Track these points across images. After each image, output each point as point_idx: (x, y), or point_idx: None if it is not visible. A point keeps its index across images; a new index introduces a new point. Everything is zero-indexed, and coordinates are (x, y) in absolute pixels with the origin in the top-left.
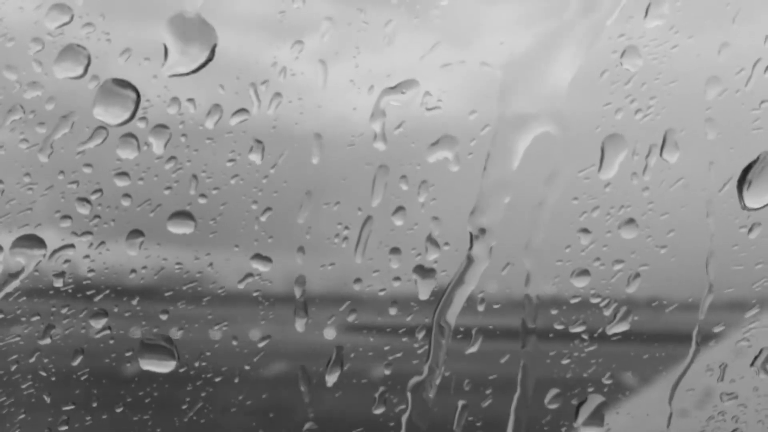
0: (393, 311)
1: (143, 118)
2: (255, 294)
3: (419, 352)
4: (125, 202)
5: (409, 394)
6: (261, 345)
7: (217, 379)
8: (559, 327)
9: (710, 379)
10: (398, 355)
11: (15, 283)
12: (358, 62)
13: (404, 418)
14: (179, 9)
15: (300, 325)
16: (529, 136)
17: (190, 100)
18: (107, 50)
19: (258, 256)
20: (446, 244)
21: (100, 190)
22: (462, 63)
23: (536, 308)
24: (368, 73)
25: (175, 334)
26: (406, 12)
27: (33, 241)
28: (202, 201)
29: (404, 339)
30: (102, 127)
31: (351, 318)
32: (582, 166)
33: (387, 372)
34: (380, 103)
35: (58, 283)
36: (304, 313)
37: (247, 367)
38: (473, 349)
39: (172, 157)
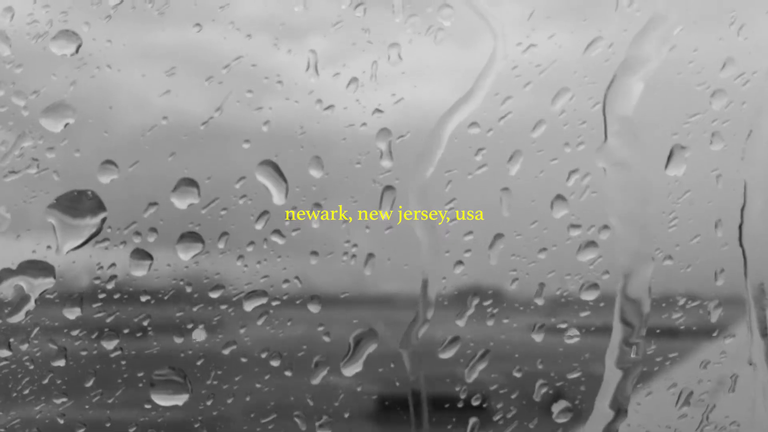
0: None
1: (153, 147)
2: (265, 313)
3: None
4: (135, 225)
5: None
6: (273, 363)
7: (229, 400)
8: (569, 340)
9: (721, 389)
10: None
11: (28, 306)
12: (363, 82)
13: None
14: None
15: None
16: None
17: (204, 123)
18: (115, 79)
19: (266, 276)
20: (459, 263)
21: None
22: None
23: None
24: (374, 93)
25: (186, 353)
26: (412, 31)
27: (42, 266)
28: (211, 222)
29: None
30: (110, 161)
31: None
32: (590, 181)
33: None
34: (386, 121)
35: (70, 306)
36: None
37: (258, 386)
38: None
39: (182, 179)
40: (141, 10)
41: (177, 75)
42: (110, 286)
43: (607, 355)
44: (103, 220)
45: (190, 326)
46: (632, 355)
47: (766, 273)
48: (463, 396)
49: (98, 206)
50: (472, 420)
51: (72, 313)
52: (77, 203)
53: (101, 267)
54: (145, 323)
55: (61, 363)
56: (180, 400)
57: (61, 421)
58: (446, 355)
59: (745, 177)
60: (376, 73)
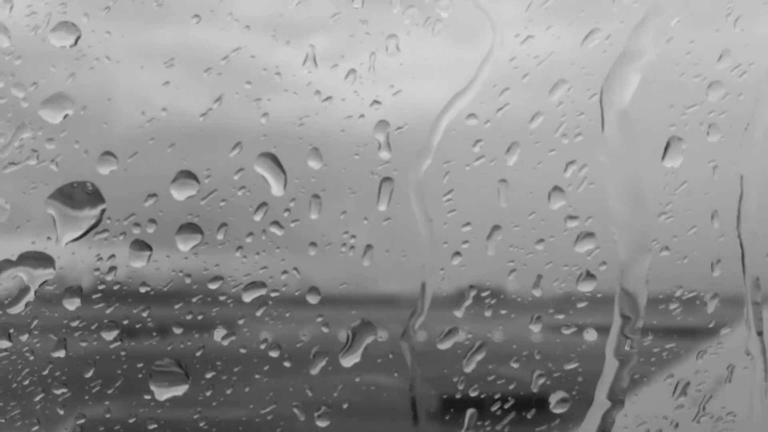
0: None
1: (153, 139)
2: (264, 304)
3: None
4: (134, 217)
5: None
6: (271, 354)
7: (228, 391)
8: (567, 332)
9: (718, 380)
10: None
11: (28, 297)
12: (361, 72)
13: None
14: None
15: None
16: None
17: (203, 114)
18: (114, 71)
19: (265, 267)
20: (456, 254)
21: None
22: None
23: None
24: (372, 85)
25: (186, 344)
26: (410, 22)
27: (41, 257)
28: (210, 213)
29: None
30: (109, 153)
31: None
32: (587, 172)
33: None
34: (384, 113)
35: (70, 297)
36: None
37: (257, 376)
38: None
39: (181, 171)
40: (139, 2)
41: (176, 67)
42: (110, 277)
43: (607, 346)
44: (102, 212)
45: (189, 317)
46: (628, 347)
47: (762, 266)
48: (461, 387)
49: (97, 198)
50: (470, 411)
51: (72, 304)
52: (76, 195)
53: (101, 258)
54: (145, 314)
55: (61, 354)
56: (179, 391)
57: (61, 412)
58: (444, 345)
59: (743, 169)
60: (374, 65)
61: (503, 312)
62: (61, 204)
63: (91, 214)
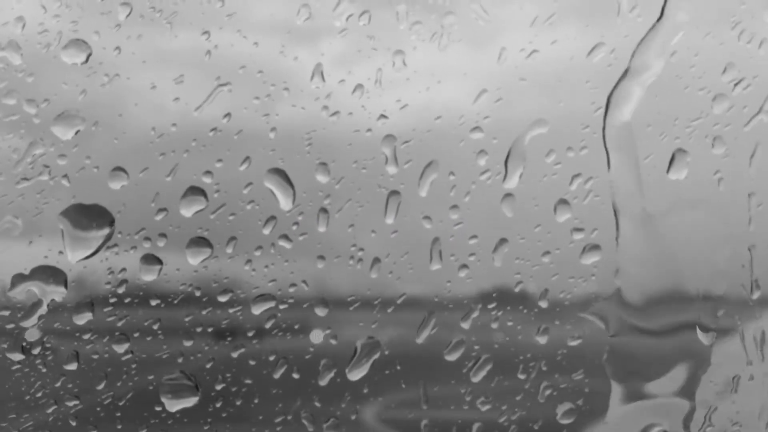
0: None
1: (163, 154)
2: (273, 316)
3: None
4: (145, 231)
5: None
6: (279, 367)
7: (238, 402)
8: (574, 343)
9: (723, 391)
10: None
11: (41, 310)
12: (368, 88)
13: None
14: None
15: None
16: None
17: (212, 130)
18: (125, 87)
19: (274, 279)
20: (463, 267)
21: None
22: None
23: None
24: (379, 99)
25: (196, 356)
26: (416, 38)
27: (53, 271)
28: (219, 227)
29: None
30: (120, 168)
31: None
32: (593, 185)
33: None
34: (391, 127)
35: (81, 310)
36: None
37: (266, 388)
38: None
39: (191, 185)
40: (149, 20)
41: (185, 82)
42: (121, 290)
43: None
44: (111, 233)
45: (199, 330)
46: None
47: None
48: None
49: (107, 217)
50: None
51: (83, 318)
52: (87, 214)
53: (112, 272)
54: (156, 327)
55: (73, 366)
56: (189, 402)
57: (73, 423)
58: (451, 357)
59: (752, 181)
60: (381, 80)
61: (509, 323)
62: (70, 225)
63: (99, 234)
